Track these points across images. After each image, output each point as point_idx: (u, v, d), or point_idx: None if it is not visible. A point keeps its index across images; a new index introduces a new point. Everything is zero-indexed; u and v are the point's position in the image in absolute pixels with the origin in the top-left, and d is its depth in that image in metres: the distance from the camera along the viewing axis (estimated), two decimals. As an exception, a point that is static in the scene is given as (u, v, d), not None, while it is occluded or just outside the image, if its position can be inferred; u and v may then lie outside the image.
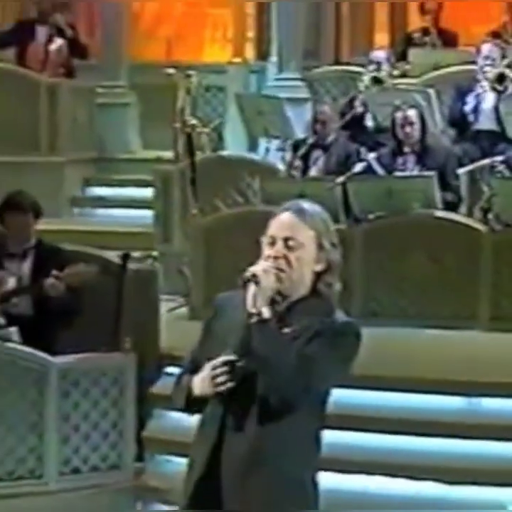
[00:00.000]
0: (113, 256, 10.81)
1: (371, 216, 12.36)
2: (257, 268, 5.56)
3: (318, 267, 5.59)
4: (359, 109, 14.23)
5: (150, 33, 18.52)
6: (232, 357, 5.47)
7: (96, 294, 9.79)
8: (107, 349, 9.65)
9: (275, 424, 5.54)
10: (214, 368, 5.45)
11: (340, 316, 5.62)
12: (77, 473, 9.27)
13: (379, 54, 14.88)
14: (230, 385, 5.46)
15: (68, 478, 9.21)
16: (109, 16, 17.17)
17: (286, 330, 5.53)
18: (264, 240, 5.63)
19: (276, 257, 5.53)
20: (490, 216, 12.20)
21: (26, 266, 9.82)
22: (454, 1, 17.51)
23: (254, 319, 5.48)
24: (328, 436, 8.53)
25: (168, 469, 10.03)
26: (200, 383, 5.55)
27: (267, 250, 5.58)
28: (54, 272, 9.58)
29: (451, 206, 12.62)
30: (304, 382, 5.49)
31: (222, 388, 5.48)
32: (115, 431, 9.49)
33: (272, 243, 5.55)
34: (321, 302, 5.63)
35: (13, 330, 9.54)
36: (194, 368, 5.66)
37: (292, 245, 5.56)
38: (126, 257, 10.41)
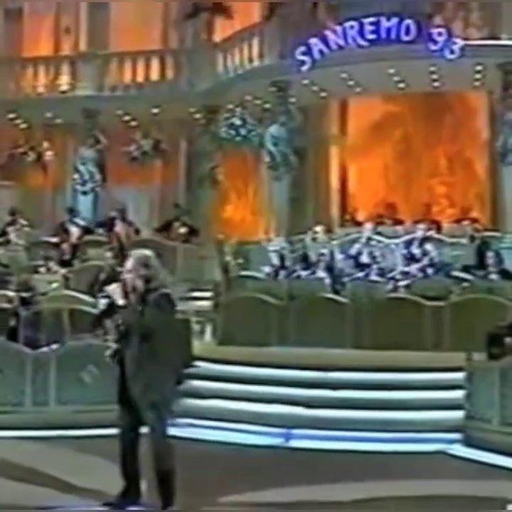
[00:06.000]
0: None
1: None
2: (113, 285, 5.88)
3: (146, 275, 5.72)
4: (300, 252, 13.75)
5: (232, 223, 18.10)
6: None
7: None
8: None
9: (143, 354, 5.67)
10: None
11: (163, 290, 5.73)
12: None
13: (317, 228, 14.13)
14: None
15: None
16: (208, 218, 17.01)
17: (139, 308, 5.70)
18: (126, 271, 5.79)
19: (128, 278, 5.77)
20: (352, 297, 12.01)
21: None
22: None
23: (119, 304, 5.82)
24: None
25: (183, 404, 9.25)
26: None
27: (125, 275, 5.78)
28: None
29: (337, 290, 12.40)
30: (148, 325, 5.66)
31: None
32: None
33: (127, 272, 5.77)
34: (155, 290, 5.72)
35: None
36: None
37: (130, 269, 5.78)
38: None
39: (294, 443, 8.64)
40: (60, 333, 10.18)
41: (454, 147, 17.15)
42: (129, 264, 5.81)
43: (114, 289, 5.83)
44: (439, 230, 14.75)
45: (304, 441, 8.65)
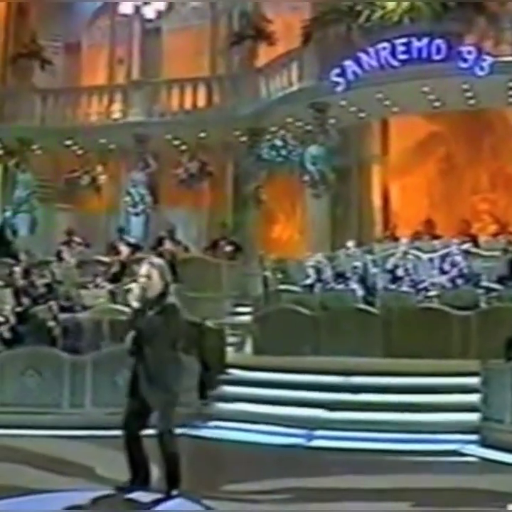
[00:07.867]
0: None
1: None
2: (132, 285, 6.07)
3: (162, 284, 5.98)
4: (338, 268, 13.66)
5: (280, 242, 18.29)
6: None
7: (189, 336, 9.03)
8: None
9: (154, 358, 5.84)
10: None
11: (171, 299, 5.96)
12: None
13: (349, 243, 14.13)
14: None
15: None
16: (253, 236, 17.17)
17: (151, 312, 5.92)
18: (140, 276, 5.98)
19: (142, 282, 5.96)
20: (383, 307, 11.99)
21: None
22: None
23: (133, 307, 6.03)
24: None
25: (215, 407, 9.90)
26: None
27: (140, 279, 5.97)
28: None
29: (369, 301, 12.41)
30: (157, 331, 5.85)
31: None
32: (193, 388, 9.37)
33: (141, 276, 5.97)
34: (164, 298, 5.95)
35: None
36: None
37: (148, 276, 5.97)
38: (203, 319, 10.57)
39: (316, 443, 8.70)
40: (100, 341, 10.53)
41: (495, 164, 17.16)
42: (144, 269, 6.00)
43: (134, 288, 6.01)
44: (476, 243, 14.68)
45: (326, 441, 8.71)
